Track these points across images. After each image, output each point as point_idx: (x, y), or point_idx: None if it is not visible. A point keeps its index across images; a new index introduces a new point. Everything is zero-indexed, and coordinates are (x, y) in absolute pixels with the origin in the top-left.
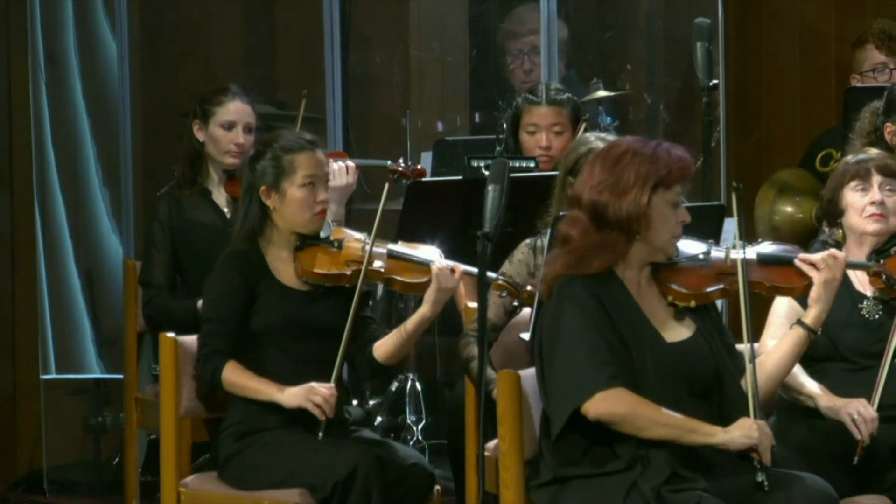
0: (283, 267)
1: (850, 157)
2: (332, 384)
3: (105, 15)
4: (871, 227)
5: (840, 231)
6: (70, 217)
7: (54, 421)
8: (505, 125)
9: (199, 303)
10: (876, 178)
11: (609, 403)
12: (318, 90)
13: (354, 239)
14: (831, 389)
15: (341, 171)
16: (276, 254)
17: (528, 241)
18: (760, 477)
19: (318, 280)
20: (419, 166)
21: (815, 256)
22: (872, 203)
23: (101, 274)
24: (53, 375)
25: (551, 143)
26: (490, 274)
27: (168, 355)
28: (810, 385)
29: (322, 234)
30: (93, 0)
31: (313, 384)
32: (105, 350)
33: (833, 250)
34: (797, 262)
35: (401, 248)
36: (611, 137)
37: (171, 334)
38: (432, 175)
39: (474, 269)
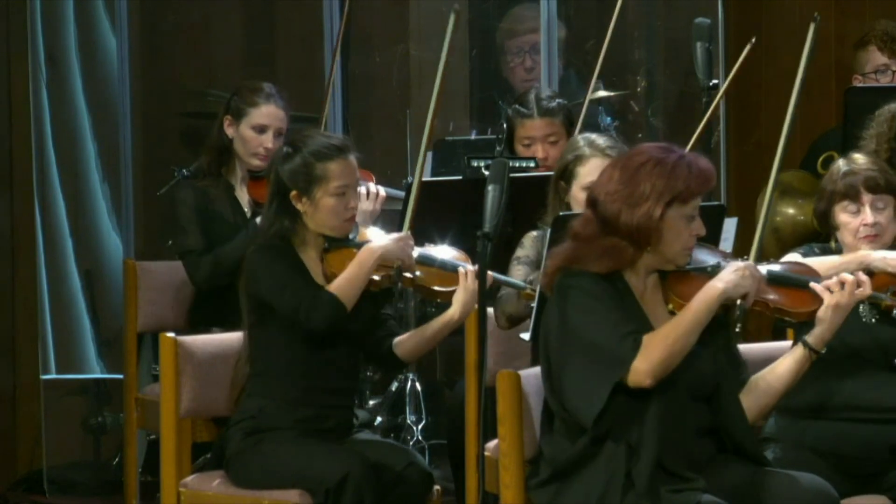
0: (313, 267)
1: (839, 167)
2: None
3: (105, 14)
4: (867, 247)
5: (834, 243)
6: (70, 217)
7: (54, 421)
8: (505, 125)
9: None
10: (866, 198)
11: (648, 361)
12: (318, 90)
13: None
14: (824, 384)
15: (369, 196)
16: (306, 254)
17: (533, 233)
18: (738, 319)
19: None
20: None
21: (832, 281)
22: (865, 225)
23: (101, 274)
24: (53, 375)
25: (548, 154)
26: (519, 283)
27: (168, 355)
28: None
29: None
30: (93, 0)
31: (402, 235)
32: (105, 350)
33: (861, 275)
34: (813, 286)
35: (431, 252)
36: (601, 140)
37: (170, 334)
38: (432, 175)
39: (507, 278)
